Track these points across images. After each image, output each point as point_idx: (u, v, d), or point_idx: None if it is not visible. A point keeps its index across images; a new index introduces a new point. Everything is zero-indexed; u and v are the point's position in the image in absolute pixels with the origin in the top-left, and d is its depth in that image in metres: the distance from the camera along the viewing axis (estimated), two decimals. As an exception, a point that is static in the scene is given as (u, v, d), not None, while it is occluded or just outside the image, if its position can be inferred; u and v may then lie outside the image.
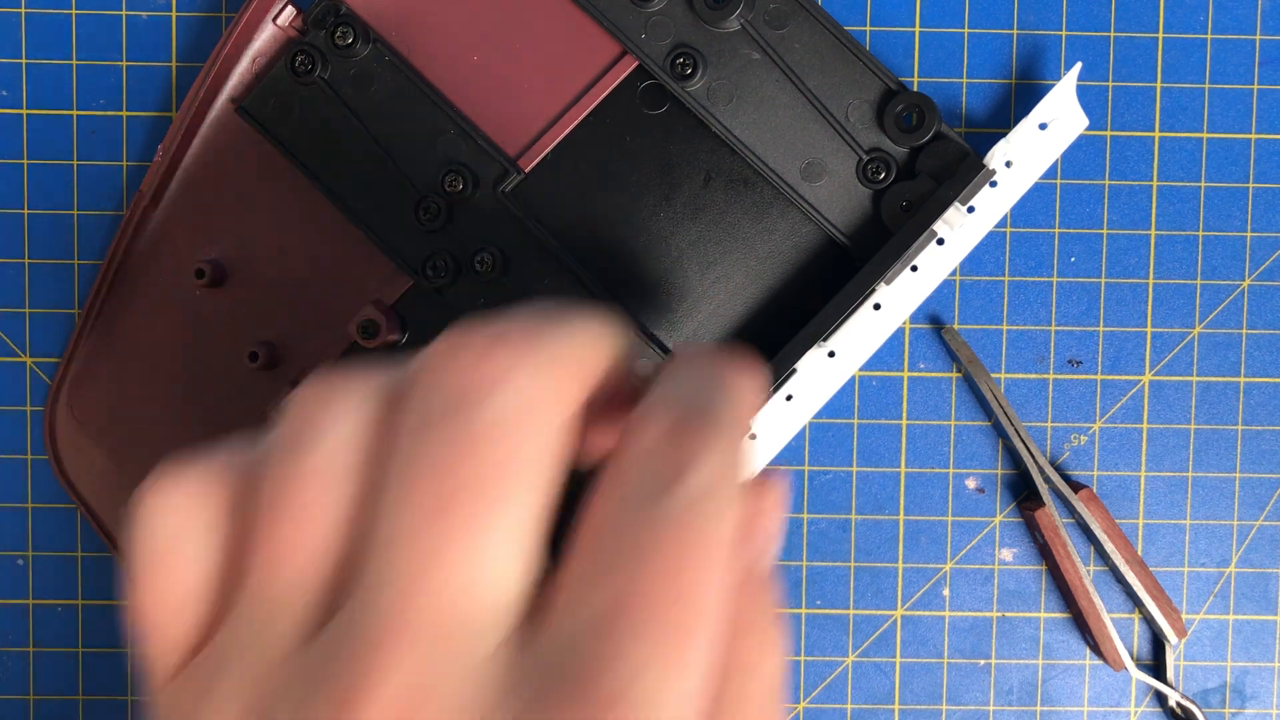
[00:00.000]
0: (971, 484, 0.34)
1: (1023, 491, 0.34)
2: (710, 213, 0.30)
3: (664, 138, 0.30)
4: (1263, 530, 0.34)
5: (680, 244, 0.30)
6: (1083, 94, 0.33)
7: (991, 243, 0.33)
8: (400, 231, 0.30)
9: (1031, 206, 0.33)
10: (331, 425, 0.20)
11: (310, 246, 0.32)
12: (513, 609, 0.20)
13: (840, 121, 0.30)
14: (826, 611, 0.34)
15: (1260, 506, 0.34)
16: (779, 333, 0.30)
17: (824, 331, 0.29)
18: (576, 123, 0.30)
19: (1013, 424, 0.32)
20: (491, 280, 0.30)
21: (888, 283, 0.30)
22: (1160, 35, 0.33)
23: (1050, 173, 0.33)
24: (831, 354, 0.31)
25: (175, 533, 0.23)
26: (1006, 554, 0.34)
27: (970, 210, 0.31)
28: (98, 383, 0.32)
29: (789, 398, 0.31)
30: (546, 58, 0.30)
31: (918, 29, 0.33)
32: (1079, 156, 0.33)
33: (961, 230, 0.30)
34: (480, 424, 0.19)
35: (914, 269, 0.31)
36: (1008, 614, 0.33)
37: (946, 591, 0.34)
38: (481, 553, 0.19)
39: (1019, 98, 0.33)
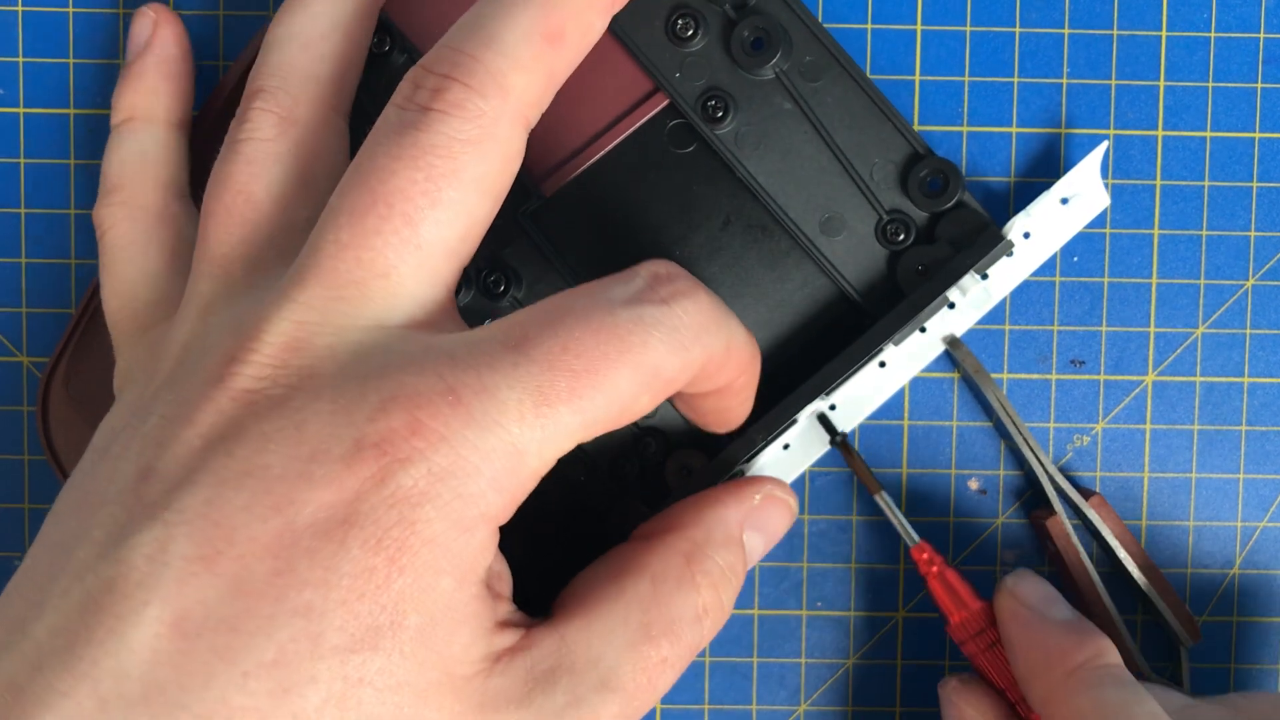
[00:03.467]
0: (974, 485, 0.33)
1: (1026, 492, 0.33)
2: (726, 256, 0.30)
3: (688, 177, 0.30)
4: (1266, 532, 0.33)
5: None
6: (1084, 92, 0.33)
7: (993, 242, 0.33)
8: None
9: (1034, 206, 0.33)
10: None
11: None
12: (413, 303, 0.23)
13: (864, 179, 0.30)
14: (827, 613, 0.33)
15: (1265, 508, 0.33)
16: (783, 382, 0.30)
17: (828, 385, 0.29)
18: (603, 153, 0.30)
19: (1020, 432, 0.32)
20: (501, 299, 0.30)
21: (896, 344, 0.30)
22: (1163, 33, 0.33)
23: (1053, 173, 0.33)
24: (833, 407, 0.31)
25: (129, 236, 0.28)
26: (1009, 555, 0.33)
27: (984, 277, 0.31)
28: (94, 359, 0.32)
29: (786, 446, 0.31)
30: (580, 87, 0.30)
31: (919, 27, 0.33)
32: (1082, 156, 0.33)
33: (973, 296, 0.31)
34: (439, 137, 0.23)
35: (922, 330, 0.31)
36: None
37: (948, 593, 0.33)
38: (404, 243, 0.23)
39: (1021, 97, 0.33)
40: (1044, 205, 0.31)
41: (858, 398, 0.31)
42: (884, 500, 0.31)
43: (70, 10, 0.33)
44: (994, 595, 0.30)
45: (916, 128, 0.33)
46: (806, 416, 0.31)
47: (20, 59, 0.33)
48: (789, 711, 0.34)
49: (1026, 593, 0.30)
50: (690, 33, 0.30)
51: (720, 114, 0.30)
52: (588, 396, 0.21)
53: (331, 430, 0.21)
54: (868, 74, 0.31)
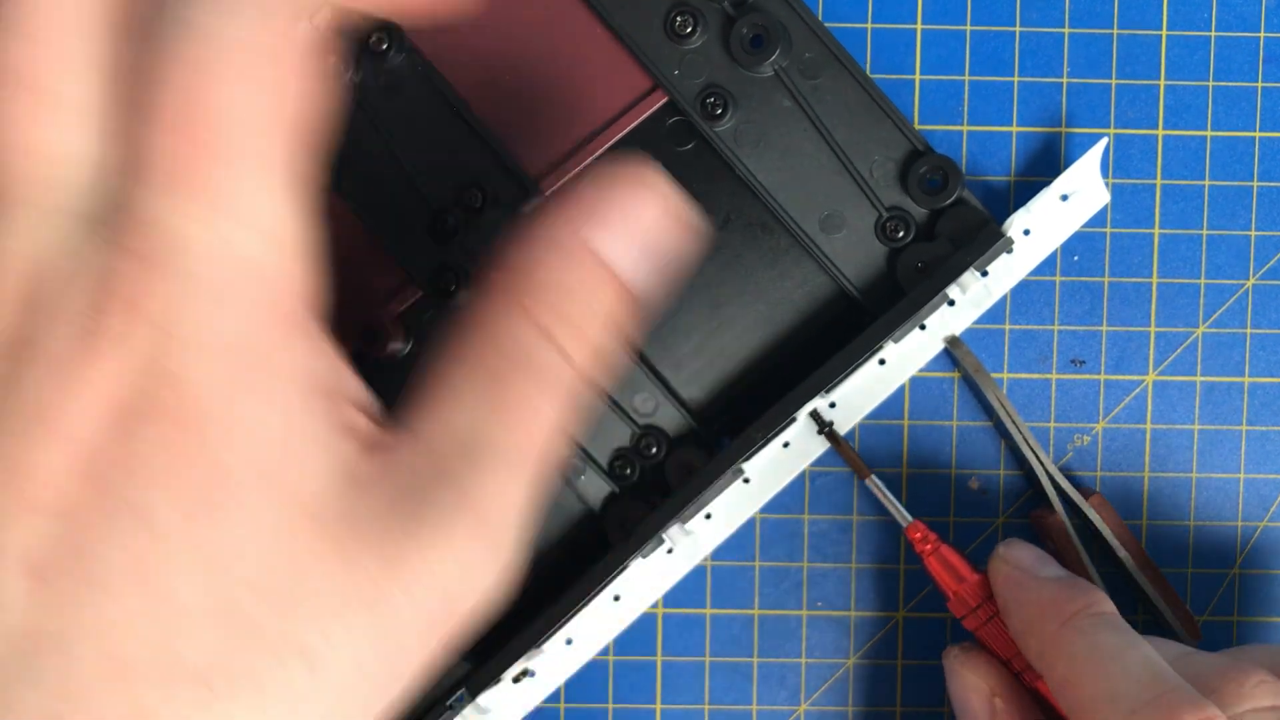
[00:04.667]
0: (974, 484, 0.33)
1: (1026, 491, 0.33)
2: (725, 254, 0.30)
3: (687, 175, 0.30)
4: (1267, 532, 0.33)
5: (693, 282, 0.30)
6: (1085, 92, 0.33)
7: (993, 241, 0.33)
8: (413, 241, 0.30)
9: (1034, 205, 0.33)
10: None
11: (323, 245, 0.32)
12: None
13: (864, 177, 0.30)
14: (827, 613, 0.33)
15: (1265, 508, 0.33)
16: (783, 379, 0.30)
17: (827, 383, 0.29)
18: (602, 150, 0.30)
19: (1020, 431, 0.32)
20: None
21: (896, 341, 0.30)
22: (1164, 33, 0.33)
23: (1053, 172, 0.33)
24: (833, 405, 0.31)
25: None
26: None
27: (984, 274, 0.31)
28: None
29: (786, 445, 0.31)
30: (578, 84, 0.30)
31: (920, 25, 0.33)
32: (1081, 155, 0.33)
33: (973, 293, 0.31)
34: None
35: (922, 327, 0.31)
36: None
37: (948, 593, 0.33)
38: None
39: (1021, 96, 0.33)
40: (1043, 202, 0.30)
41: (857, 395, 0.31)
42: (875, 484, 0.31)
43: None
44: (987, 565, 0.30)
45: (917, 127, 0.33)
46: (806, 414, 0.31)
47: (19, 58, 0.33)
48: (789, 711, 0.33)
49: (1017, 556, 0.30)
50: (689, 30, 0.29)
51: (720, 111, 0.30)
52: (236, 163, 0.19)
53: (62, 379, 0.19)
54: (868, 73, 0.31)
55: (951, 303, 0.31)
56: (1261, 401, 0.33)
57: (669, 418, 0.30)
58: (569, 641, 0.31)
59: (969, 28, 0.33)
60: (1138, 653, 0.27)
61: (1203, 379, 0.33)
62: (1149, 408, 0.33)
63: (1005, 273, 0.31)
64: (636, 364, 0.30)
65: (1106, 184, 0.32)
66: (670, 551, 0.31)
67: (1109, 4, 0.33)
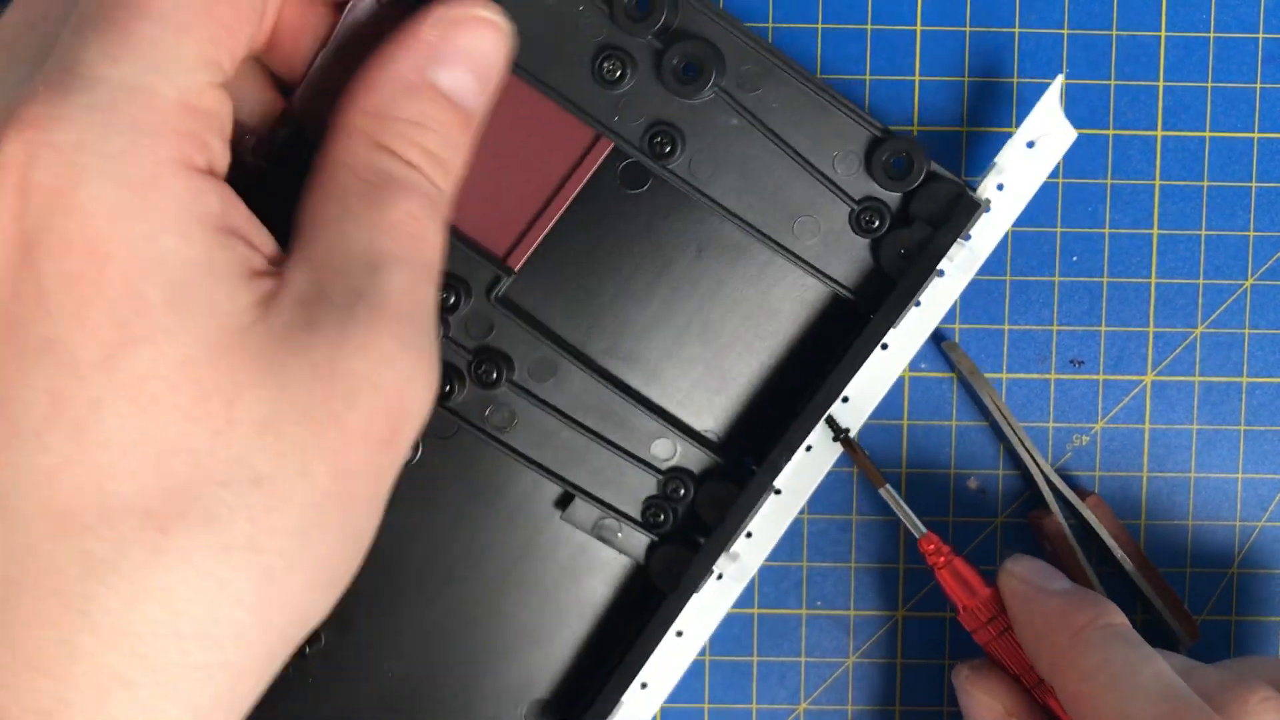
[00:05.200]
0: (973, 484, 0.33)
1: (1025, 492, 0.33)
2: (707, 283, 0.30)
3: (650, 215, 0.30)
4: (1265, 531, 0.33)
5: (682, 318, 0.30)
6: (1084, 92, 0.33)
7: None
8: None
9: (1033, 206, 0.33)
10: None
11: None
12: None
13: (827, 175, 0.29)
14: (826, 613, 0.34)
15: (1263, 507, 0.33)
16: (793, 388, 0.30)
17: (841, 388, 0.29)
18: (561, 213, 0.30)
19: (1016, 433, 0.32)
20: (497, 387, 0.29)
21: (894, 325, 0.30)
22: (1163, 34, 0.33)
23: (1052, 172, 0.33)
24: (845, 399, 0.31)
25: None
26: (1008, 555, 0.33)
27: (967, 239, 0.30)
28: None
29: (809, 448, 0.31)
30: (522, 151, 0.29)
31: (919, 27, 0.33)
32: (1081, 156, 0.33)
33: (960, 260, 0.30)
34: None
35: (917, 304, 0.30)
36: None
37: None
38: None
39: (1021, 97, 0.33)
40: (1011, 154, 0.30)
41: (866, 387, 0.31)
42: (889, 494, 0.31)
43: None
44: (996, 579, 0.30)
45: (916, 128, 0.33)
46: (821, 421, 0.30)
47: (20, 59, 0.33)
48: (789, 711, 0.34)
49: (1024, 570, 0.30)
50: (619, 74, 0.28)
51: (669, 148, 0.29)
52: (148, 5, 0.20)
53: None
54: (868, 73, 0.32)
55: (941, 273, 0.30)
56: (1260, 401, 0.33)
57: (690, 456, 0.30)
58: (644, 685, 0.31)
59: (968, 29, 0.33)
60: (1150, 667, 0.27)
61: (1201, 379, 0.33)
62: (1147, 408, 0.33)
63: (987, 232, 0.30)
64: (646, 411, 0.30)
65: (1104, 180, 0.32)
66: (720, 577, 0.31)
67: (1108, 5, 0.33)
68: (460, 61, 0.24)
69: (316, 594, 0.22)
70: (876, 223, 0.29)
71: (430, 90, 0.23)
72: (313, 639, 0.30)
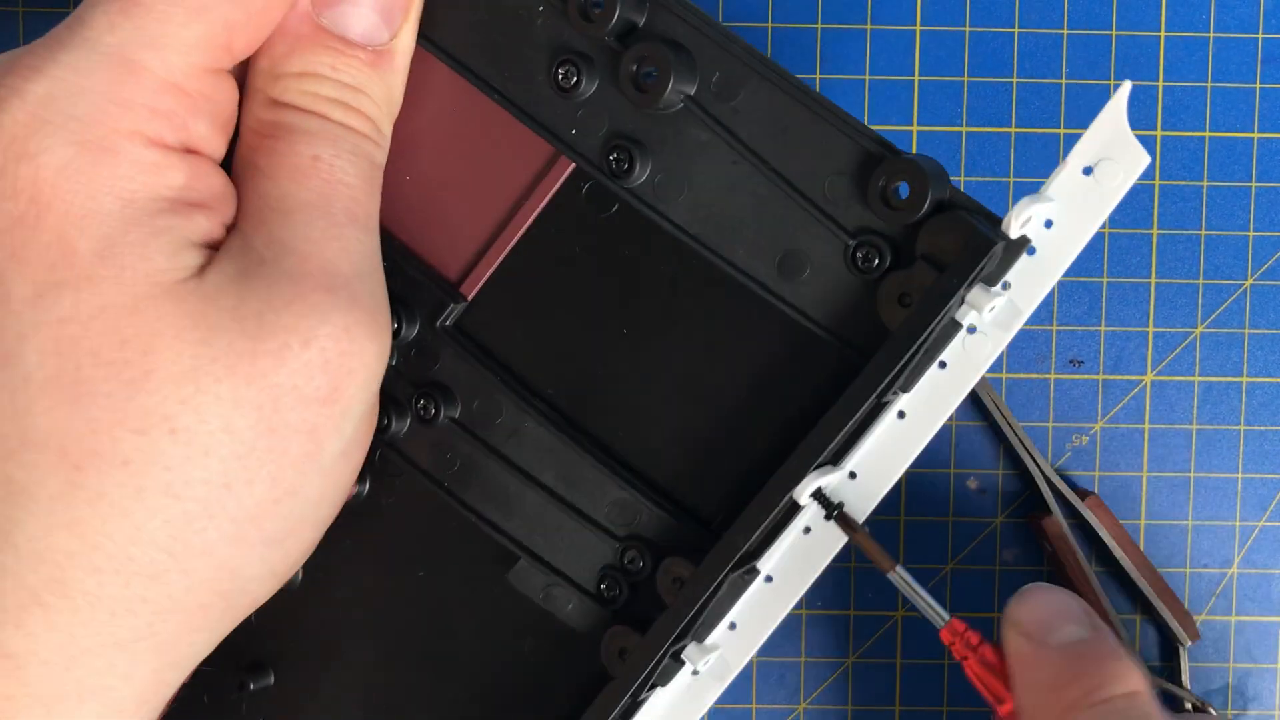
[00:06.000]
0: (972, 484, 0.33)
1: (1024, 492, 0.33)
2: (684, 321, 0.25)
3: (618, 242, 0.25)
4: (1265, 531, 0.33)
5: (653, 360, 0.25)
6: (1084, 93, 0.33)
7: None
8: None
9: (1033, 205, 0.33)
10: None
11: None
12: None
13: (816, 201, 0.24)
14: (827, 612, 0.34)
15: (1263, 507, 0.33)
16: (786, 451, 0.24)
17: (815, 458, 0.23)
18: (519, 236, 0.26)
19: (1015, 432, 0.32)
20: (434, 422, 0.26)
21: (906, 390, 0.24)
22: (1162, 34, 0.33)
23: (1052, 172, 0.33)
24: (853, 475, 0.25)
25: None
26: (1008, 555, 0.33)
27: (1005, 287, 0.24)
28: None
29: (807, 530, 0.26)
30: (474, 168, 0.26)
31: (919, 27, 0.33)
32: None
33: (997, 313, 0.24)
34: None
35: (942, 365, 0.25)
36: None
37: (948, 592, 0.33)
38: None
39: (1020, 97, 0.33)
40: (1064, 182, 0.23)
41: (880, 459, 0.25)
42: (902, 577, 0.26)
43: (70, 10, 0.33)
44: (1000, 629, 0.26)
45: (915, 128, 0.33)
46: (808, 495, 0.24)
47: (20, 59, 0.33)
48: (789, 711, 0.34)
49: (1025, 617, 0.26)
50: (574, 80, 0.25)
51: (627, 165, 0.24)
52: None
53: None
54: (867, 73, 0.31)
55: (971, 329, 0.24)
56: (1259, 401, 0.33)
57: (652, 523, 0.25)
58: None
59: (968, 29, 0.33)
60: None
61: (1201, 379, 0.33)
62: (1147, 407, 0.33)
63: (1032, 280, 0.24)
64: (605, 467, 0.25)
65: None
66: (696, 673, 0.26)
67: (1108, 5, 0.33)
68: (348, 1, 0.23)
69: (245, 549, 0.22)
70: (875, 260, 0.23)
71: (321, 36, 0.23)
72: (261, 673, 0.28)
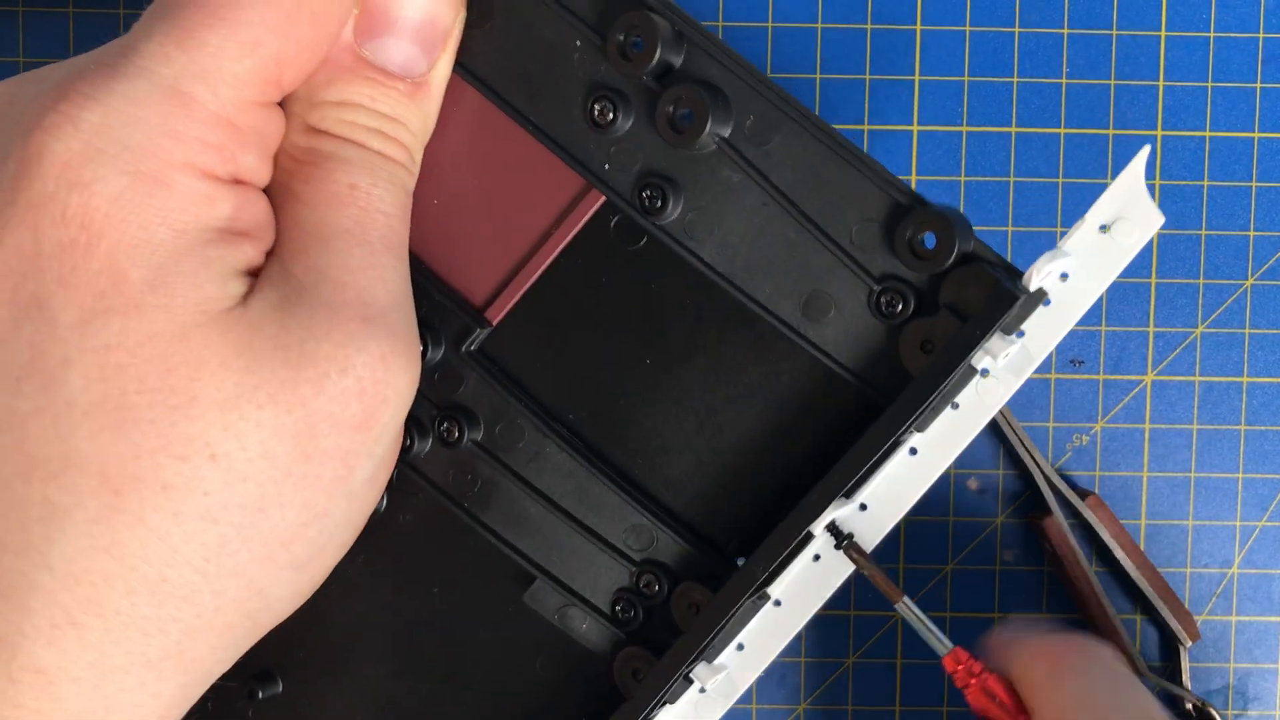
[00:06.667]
0: (972, 485, 0.33)
1: (1025, 493, 0.33)
2: (705, 356, 0.26)
3: (645, 275, 0.26)
4: (1265, 531, 0.33)
5: (675, 391, 0.26)
6: (1084, 93, 0.33)
7: (993, 243, 0.33)
8: None
9: (1032, 206, 0.33)
10: None
11: None
12: None
13: (843, 246, 0.25)
14: (827, 612, 0.34)
15: (1263, 507, 0.33)
16: (803, 484, 0.25)
17: (835, 493, 0.25)
18: (546, 265, 0.26)
19: (1016, 432, 0.32)
20: (458, 446, 0.27)
21: (921, 430, 0.26)
22: (1162, 33, 0.33)
23: (1052, 172, 0.33)
24: (864, 507, 0.26)
25: None
26: (1008, 555, 0.33)
27: (1019, 335, 0.25)
28: None
29: (816, 558, 0.26)
30: (507, 197, 0.27)
31: (919, 27, 0.33)
32: (1080, 156, 0.33)
33: (1010, 360, 0.25)
34: None
35: (955, 406, 0.26)
36: (1009, 615, 0.33)
37: (948, 592, 0.33)
38: None
39: (1020, 97, 0.33)
40: (1081, 238, 0.25)
41: (890, 494, 0.26)
42: (908, 607, 0.27)
43: (70, 10, 0.33)
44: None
45: (915, 128, 0.33)
46: (822, 527, 0.26)
47: (21, 59, 0.33)
48: (789, 711, 0.34)
49: (1006, 628, 0.29)
50: (610, 116, 0.25)
51: (659, 203, 0.25)
52: (229, 14, 0.21)
53: None
54: (867, 73, 0.31)
55: (985, 373, 0.25)
56: (1260, 401, 0.33)
57: (669, 549, 0.26)
58: None
59: (968, 28, 0.33)
60: (1133, 697, 0.26)
61: (1201, 379, 0.33)
62: (1148, 407, 0.33)
63: (1046, 329, 0.25)
64: (624, 493, 0.26)
65: (1104, 180, 0.32)
66: (703, 690, 0.27)
67: (1108, 5, 0.33)
68: (390, 30, 0.23)
69: (274, 570, 0.22)
70: (899, 306, 0.25)
71: (362, 67, 0.23)
72: (270, 682, 0.28)
